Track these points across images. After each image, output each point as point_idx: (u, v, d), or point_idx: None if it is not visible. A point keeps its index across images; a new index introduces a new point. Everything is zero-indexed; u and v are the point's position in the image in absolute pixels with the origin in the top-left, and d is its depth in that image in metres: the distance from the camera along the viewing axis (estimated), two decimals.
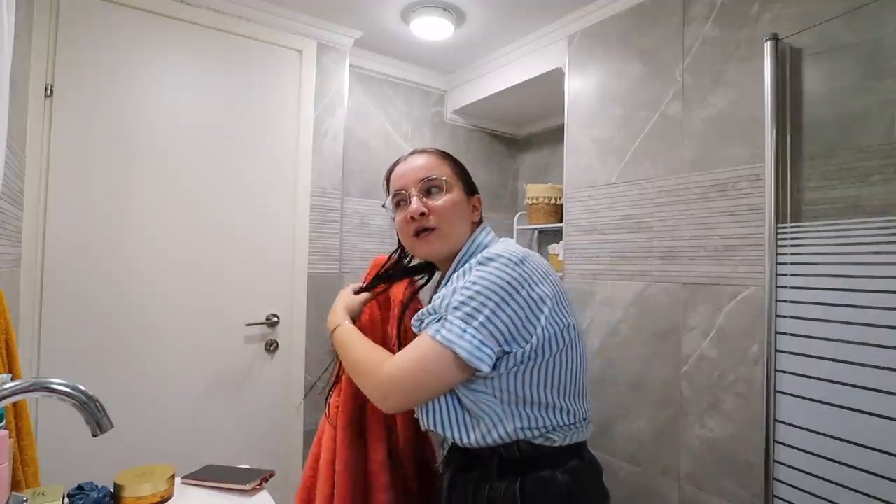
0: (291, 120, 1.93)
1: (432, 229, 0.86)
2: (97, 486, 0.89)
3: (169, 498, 0.91)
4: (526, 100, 2.33)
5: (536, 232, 2.46)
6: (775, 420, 1.23)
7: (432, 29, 1.90)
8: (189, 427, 1.70)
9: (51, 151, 1.49)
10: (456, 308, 0.75)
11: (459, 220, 0.88)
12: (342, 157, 2.06)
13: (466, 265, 0.82)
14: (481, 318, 0.73)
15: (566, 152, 1.89)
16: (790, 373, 1.21)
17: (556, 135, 2.45)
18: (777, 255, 1.24)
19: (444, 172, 0.89)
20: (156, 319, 1.65)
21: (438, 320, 0.77)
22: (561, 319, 0.77)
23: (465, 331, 0.73)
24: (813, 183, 1.22)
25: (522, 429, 0.78)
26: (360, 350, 0.86)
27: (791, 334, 1.21)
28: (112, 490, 0.88)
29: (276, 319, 1.87)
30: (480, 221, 0.94)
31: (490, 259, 0.77)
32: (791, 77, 1.26)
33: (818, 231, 1.17)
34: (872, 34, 1.13)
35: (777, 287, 1.24)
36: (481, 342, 0.73)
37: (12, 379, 0.81)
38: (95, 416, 0.66)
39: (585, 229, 1.79)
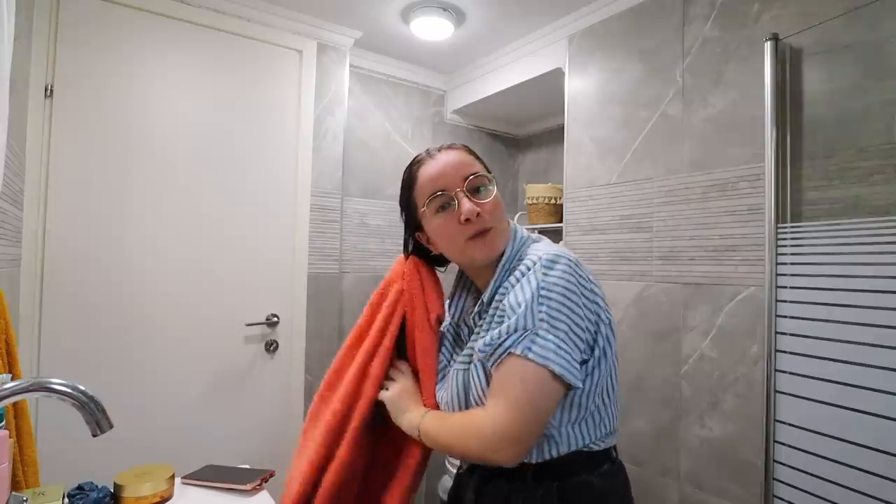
0: (291, 120, 1.93)
1: (489, 230, 0.78)
2: (97, 486, 0.89)
3: (169, 498, 0.91)
4: (526, 100, 2.33)
5: (536, 232, 2.45)
6: (775, 420, 1.23)
7: (432, 29, 1.90)
8: (189, 427, 1.70)
9: (51, 151, 1.49)
10: (541, 320, 0.67)
11: (505, 219, 0.82)
12: (342, 157, 2.06)
13: (517, 270, 0.74)
14: (564, 327, 0.67)
15: (566, 152, 1.89)
16: (790, 373, 1.21)
17: (556, 135, 2.45)
18: (777, 255, 1.24)
19: (481, 168, 0.82)
20: (156, 319, 1.65)
21: (523, 336, 0.67)
22: (608, 315, 0.75)
23: (559, 347, 0.66)
24: (813, 183, 1.22)
25: (578, 443, 0.74)
26: (451, 428, 0.76)
27: (791, 334, 1.21)
28: (112, 490, 0.88)
29: (276, 319, 1.87)
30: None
31: (554, 262, 0.70)
32: (791, 77, 1.26)
33: (818, 231, 1.17)
34: (872, 34, 1.13)
35: (777, 287, 1.24)
36: (572, 356, 0.67)
37: (12, 379, 0.81)
38: (95, 416, 0.66)
39: (585, 229, 1.79)
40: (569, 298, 0.68)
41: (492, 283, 0.78)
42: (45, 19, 1.47)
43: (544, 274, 0.69)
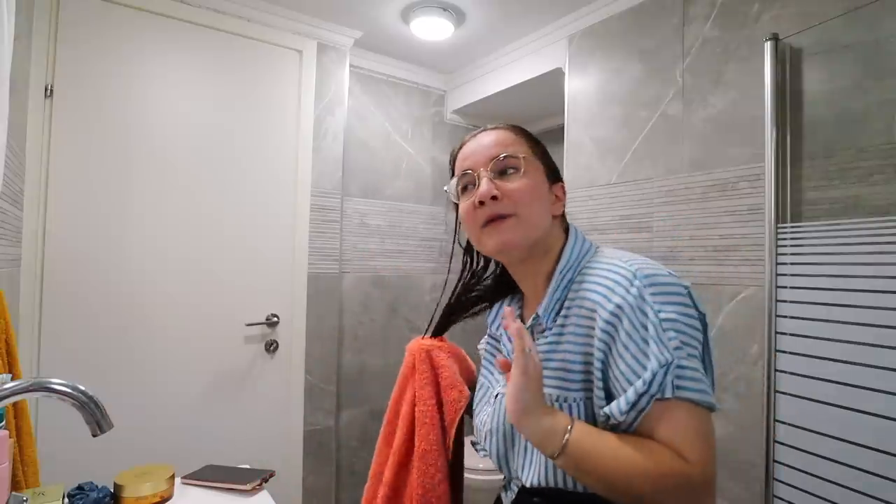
0: (291, 120, 1.93)
1: (507, 216, 0.67)
2: (97, 486, 0.89)
3: (169, 498, 0.91)
4: (526, 100, 2.33)
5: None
6: (775, 420, 1.23)
7: (432, 29, 1.90)
8: (189, 427, 1.70)
9: (51, 151, 1.49)
10: (678, 349, 0.56)
11: (541, 208, 0.69)
12: (342, 157, 2.06)
13: (597, 282, 0.63)
14: (696, 352, 0.58)
15: (566, 152, 1.89)
16: (790, 373, 1.21)
17: (556, 135, 2.44)
18: (777, 255, 1.24)
19: (520, 150, 0.71)
20: (156, 319, 1.65)
21: (666, 374, 0.55)
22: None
23: (703, 377, 0.57)
24: (813, 183, 1.22)
25: None
26: (623, 456, 0.55)
27: (791, 334, 1.21)
28: (112, 490, 0.88)
29: (276, 319, 1.87)
30: (563, 217, 0.76)
31: (664, 280, 0.60)
32: (791, 77, 1.26)
33: (818, 231, 1.17)
34: (872, 34, 1.13)
35: (777, 287, 1.24)
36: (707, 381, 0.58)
37: (12, 379, 0.81)
38: (95, 416, 0.66)
39: (585, 229, 1.79)
40: (689, 316, 0.59)
41: (548, 293, 0.67)
42: (45, 19, 1.47)
43: (655, 297, 0.58)
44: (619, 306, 0.58)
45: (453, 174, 0.76)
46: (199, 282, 1.73)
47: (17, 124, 1.29)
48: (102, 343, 1.56)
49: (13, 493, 0.77)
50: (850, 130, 1.16)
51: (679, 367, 0.55)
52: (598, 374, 0.60)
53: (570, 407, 0.62)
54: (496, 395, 0.73)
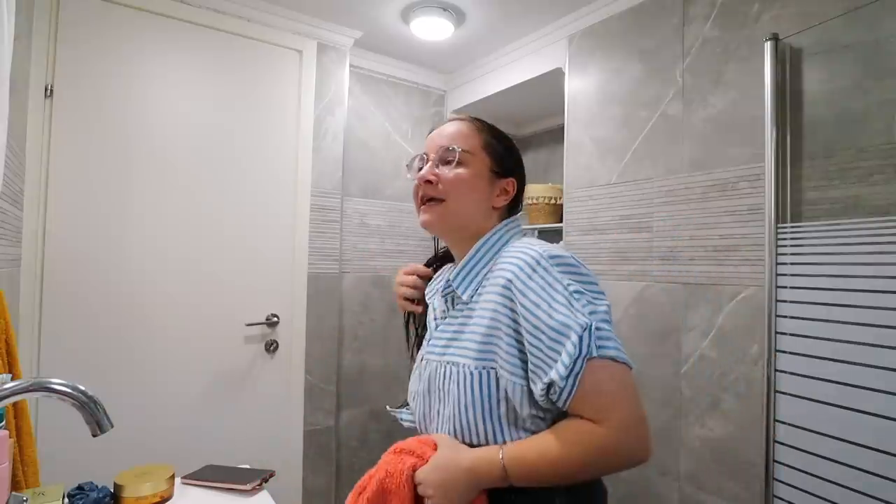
0: (291, 120, 1.93)
1: (440, 200, 0.78)
2: (97, 486, 0.89)
3: (169, 498, 0.91)
4: (526, 100, 2.33)
5: (536, 232, 2.45)
6: (775, 420, 1.23)
7: (432, 29, 1.90)
8: (189, 427, 1.70)
9: (51, 151, 1.49)
10: (593, 313, 0.64)
11: (471, 199, 0.78)
12: (342, 157, 2.06)
13: (498, 266, 0.72)
14: (606, 317, 0.66)
15: (566, 152, 1.89)
16: (790, 373, 1.21)
17: (556, 135, 2.45)
18: (777, 255, 1.24)
19: (470, 144, 0.79)
20: (156, 319, 1.65)
21: (590, 335, 0.62)
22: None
23: (616, 338, 0.65)
24: (813, 183, 1.22)
25: None
26: (552, 456, 0.63)
27: (791, 334, 1.21)
28: (112, 490, 0.88)
29: (276, 319, 1.87)
30: (512, 210, 0.84)
31: (569, 261, 0.68)
32: (791, 77, 1.26)
33: (818, 231, 1.17)
34: (872, 34, 1.13)
35: (777, 287, 1.24)
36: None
37: (12, 379, 0.81)
38: (95, 416, 0.66)
39: (585, 229, 1.79)
40: (596, 291, 0.67)
41: (461, 262, 0.78)
42: (45, 19, 1.47)
43: (561, 270, 0.66)
44: (529, 276, 0.67)
45: None
46: (199, 282, 1.73)
47: (17, 124, 1.29)
48: (102, 343, 1.56)
49: (13, 493, 0.77)
50: (850, 130, 1.16)
51: (597, 328, 0.63)
52: (509, 341, 0.67)
53: (463, 371, 0.71)
54: (421, 359, 0.80)
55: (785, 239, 1.23)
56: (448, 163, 0.78)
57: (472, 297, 0.75)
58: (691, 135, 1.49)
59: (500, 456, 0.65)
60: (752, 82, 1.34)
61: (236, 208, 1.80)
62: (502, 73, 2.20)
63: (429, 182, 0.78)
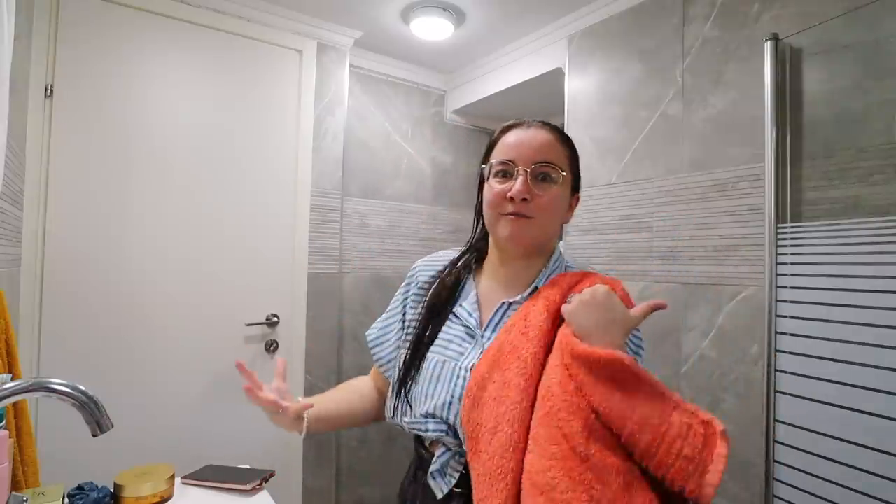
0: (291, 120, 1.93)
1: (528, 218, 0.75)
2: (97, 486, 0.89)
3: (169, 498, 0.91)
4: (526, 100, 2.32)
5: None
6: (775, 420, 1.23)
7: (432, 29, 1.90)
8: (189, 427, 1.70)
9: (51, 151, 1.49)
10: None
11: (557, 218, 0.79)
12: (342, 157, 2.06)
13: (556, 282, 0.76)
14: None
15: None
16: (790, 373, 1.21)
17: None
18: (777, 255, 1.24)
19: (561, 161, 0.78)
20: (156, 319, 1.65)
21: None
22: None
23: None
24: (813, 183, 1.22)
25: None
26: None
27: (791, 334, 1.21)
28: (112, 490, 0.88)
29: (276, 319, 1.87)
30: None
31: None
32: (791, 77, 1.26)
33: (818, 231, 1.17)
34: (872, 34, 1.13)
35: (777, 287, 1.24)
36: None
37: (12, 379, 0.81)
38: (95, 416, 0.66)
39: (585, 229, 1.79)
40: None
41: (542, 276, 0.79)
42: (45, 19, 1.47)
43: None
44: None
45: (489, 154, 0.82)
46: (199, 282, 1.73)
47: (17, 124, 1.29)
48: (102, 343, 1.56)
49: (13, 493, 0.77)
50: (850, 130, 1.16)
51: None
52: None
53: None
54: (470, 367, 0.73)
55: (785, 239, 1.23)
56: (543, 179, 0.76)
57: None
58: (691, 135, 1.49)
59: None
60: (752, 82, 1.34)
61: (236, 208, 1.80)
62: (502, 73, 2.20)
63: (525, 200, 0.74)
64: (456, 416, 0.71)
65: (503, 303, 0.77)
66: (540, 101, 2.33)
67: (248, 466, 1.08)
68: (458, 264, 0.86)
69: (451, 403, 0.72)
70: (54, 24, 1.49)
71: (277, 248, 1.90)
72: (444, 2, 1.79)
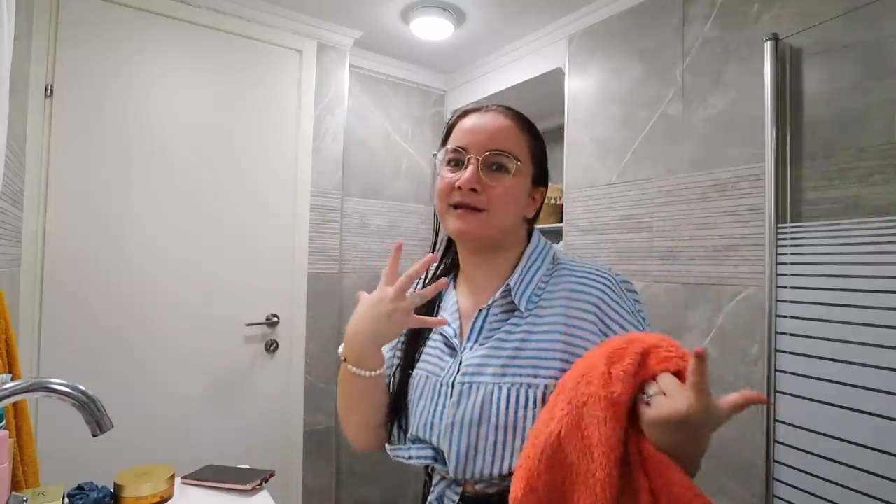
0: (291, 120, 1.93)
1: (479, 210, 0.69)
2: (97, 486, 0.89)
3: (169, 498, 0.91)
4: (526, 100, 2.32)
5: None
6: (775, 420, 1.23)
7: (432, 29, 1.90)
8: (189, 427, 1.70)
9: (51, 151, 1.49)
10: None
11: (513, 211, 0.72)
12: (342, 157, 2.06)
13: (567, 282, 0.69)
14: None
15: (566, 152, 1.89)
16: (790, 373, 1.21)
17: (556, 135, 2.44)
18: (777, 255, 1.24)
19: (519, 150, 0.71)
20: (156, 319, 1.65)
21: None
22: None
23: None
24: (813, 183, 1.22)
25: None
26: None
27: (791, 334, 1.21)
28: (112, 490, 0.88)
29: (276, 319, 1.87)
30: (535, 219, 0.77)
31: (628, 284, 0.71)
32: (791, 77, 1.26)
33: (818, 231, 1.17)
34: (872, 34, 1.13)
35: (777, 287, 1.24)
36: None
37: (12, 379, 0.81)
38: (95, 416, 0.66)
39: (585, 229, 1.79)
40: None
41: (518, 271, 0.70)
42: (45, 19, 1.47)
43: (629, 297, 0.69)
44: (616, 301, 0.68)
45: (445, 140, 0.75)
46: (199, 282, 1.73)
47: (17, 124, 1.29)
48: (102, 343, 1.56)
49: (13, 493, 0.77)
50: (850, 130, 1.16)
51: None
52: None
53: (534, 393, 0.64)
54: (451, 383, 0.67)
55: (785, 239, 1.23)
56: (496, 168, 0.69)
57: (526, 308, 0.68)
58: (691, 135, 1.49)
59: None
60: (752, 82, 1.34)
61: (236, 208, 1.80)
62: (502, 73, 2.20)
63: (473, 190, 0.68)
64: (439, 438, 0.65)
65: (479, 310, 0.71)
66: (540, 101, 2.33)
67: (248, 466, 1.08)
68: (437, 272, 0.81)
69: (432, 424, 0.66)
70: (54, 24, 1.49)
71: (277, 248, 1.90)
72: (444, 2, 1.79)
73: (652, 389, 0.51)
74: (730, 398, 0.48)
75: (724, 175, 1.40)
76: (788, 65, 1.27)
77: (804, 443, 1.17)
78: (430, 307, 0.77)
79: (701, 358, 0.47)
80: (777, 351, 1.23)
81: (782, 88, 1.26)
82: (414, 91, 2.41)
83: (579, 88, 1.85)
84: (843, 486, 1.10)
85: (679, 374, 0.51)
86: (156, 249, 1.65)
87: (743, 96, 1.37)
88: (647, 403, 0.51)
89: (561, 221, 1.97)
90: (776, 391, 1.23)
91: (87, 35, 1.55)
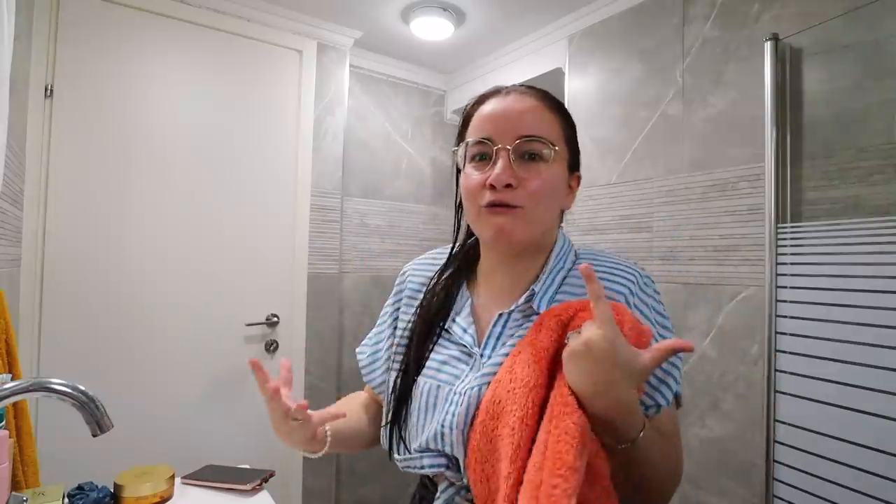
0: (291, 120, 1.93)
1: (515, 207, 0.61)
2: (97, 486, 0.89)
3: (169, 498, 0.91)
4: None
5: None
6: (775, 420, 1.23)
7: (432, 29, 1.90)
8: (189, 427, 1.70)
9: (51, 151, 1.49)
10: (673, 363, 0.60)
11: (553, 206, 0.64)
12: (342, 157, 2.06)
13: (568, 278, 0.65)
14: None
15: None
16: (790, 373, 1.21)
17: None
18: (777, 255, 1.24)
19: (552, 133, 0.63)
20: (156, 319, 1.65)
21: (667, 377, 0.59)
22: None
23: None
24: (813, 183, 1.22)
25: None
26: (667, 457, 0.58)
27: (791, 334, 1.21)
28: (112, 490, 0.88)
29: (276, 319, 1.87)
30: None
31: (650, 280, 0.65)
32: (791, 77, 1.26)
33: (818, 231, 1.17)
34: (872, 34, 1.13)
35: (777, 287, 1.24)
36: None
37: (12, 379, 0.81)
38: (95, 416, 0.66)
39: (585, 229, 1.79)
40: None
41: (546, 274, 0.64)
42: (45, 19, 1.47)
43: (652, 297, 0.64)
44: (641, 297, 0.63)
45: (463, 132, 0.67)
46: (199, 282, 1.73)
47: (17, 124, 1.29)
48: (102, 343, 1.56)
49: (13, 493, 0.77)
50: (850, 130, 1.16)
51: (677, 368, 0.61)
52: None
53: None
54: (464, 391, 0.62)
55: (785, 239, 1.23)
56: (529, 158, 0.61)
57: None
58: (691, 135, 1.49)
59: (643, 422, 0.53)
60: (752, 82, 1.34)
61: (236, 208, 1.80)
62: (502, 73, 2.20)
63: (509, 186, 0.60)
64: (452, 446, 0.61)
65: (500, 314, 0.65)
66: None
67: (248, 466, 1.08)
68: (448, 272, 0.73)
69: (443, 434, 0.61)
70: (54, 24, 1.49)
71: (277, 248, 1.90)
72: (444, 2, 1.79)
73: (573, 333, 0.53)
74: (654, 346, 0.50)
75: (724, 175, 1.40)
76: (788, 65, 1.27)
77: (804, 443, 1.17)
78: (445, 310, 0.70)
79: (587, 275, 0.48)
80: (777, 351, 1.23)
81: (782, 88, 1.26)
82: (414, 91, 2.41)
83: (579, 88, 1.85)
84: (843, 486, 1.10)
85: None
86: (156, 249, 1.65)
87: (743, 96, 1.37)
88: (566, 344, 0.52)
89: (561, 221, 1.96)
90: (776, 391, 1.23)
91: (87, 35, 1.55)
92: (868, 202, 1.12)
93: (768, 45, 1.26)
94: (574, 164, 0.68)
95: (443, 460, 0.62)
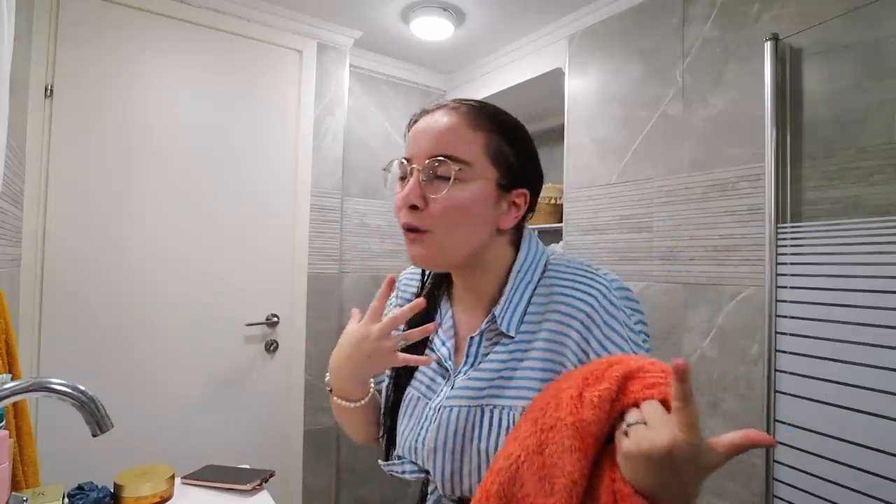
0: (291, 120, 1.93)
1: (424, 232, 0.60)
2: (97, 486, 0.89)
3: (169, 498, 0.91)
4: (526, 100, 2.32)
5: (536, 232, 2.45)
6: (775, 420, 1.23)
7: (432, 29, 1.90)
8: (189, 427, 1.70)
9: (51, 151, 1.49)
10: (647, 350, 0.62)
11: (468, 228, 0.61)
12: (342, 157, 2.06)
13: (559, 295, 0.61)
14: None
15: (566, 152, 1.89)
16: (790, 373, 1.21)
17: (555, 135, 2.44)
18: (777, 255, 1.24)
19: (470, 152, 0.60)
20: (156, 319, 1.65)
21: None
22: None
23: None
24: (813, 183, 1.22)
25: None
26: None
27: (791, 334, 1.21)
28: (112, 490, 0.88)
29: (276, 319, 1.87)
30: (520, 226, 0.67)
31: (623, 289, 0.62)
32: (791, 77, 1.26)
33: (818, 231, 1.17)
34: (872, 34, 1.13)
35: (777, 287, 1.24)
36: None
37: (12, 379, 0.81)
38: (95, 416, 0.66)
39: (585, 229, 1.79)
40: (643, 312, 0.63)
41: (506, 294, 0.62)
42: (45, 19, 1.47)
43: (632, 305, 0.61)
44: (607, 311, 0.59)
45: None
46: (199, 282, 1.73)
47: (17, 124, 1.29)
48: (102, 343, 1.56)
49: (13, 493, 0.77)
50: (850, 130, 1.16)
51: None
52: None
53: (508, 415, 0.59)
54: (437, 408, 0.63)
55: (785, 239, 1.23)
56: (439, 178, 0.59)
57: (517, 331, 0.62)
58: (691, 135, 1.49)
59: None
60: (752, 82, 1.34)
61: (236, 208, 1.80)
62: (502, 73, 2.20)
63: (414, 207, 0.59)
64: (423, 461, 0.62)
65: (470, 338, 0.64)
66: (540, 101, 2.33)
67: (248, 466, 1.08)
68: (430, 283, 0.73)
69: (415, 448, 0.63)
70: (54, 24, 1.49)
71: (277, 248, 1.90)
72: (444, 2, 1.79)
73: (632, 417, 0.44)
74: (727, 438, 0.42)
75: (724, 175, 1.40)
76: (788, 65, 1.27)
77: (804, 443, 1.17)
78: (429, 320, 0.69)
79: (682, 375, 0.40)
80: (777, 351, 1.23)
81: (782, 88, 1.26)
82: (414, 91, 2.41)
83: (579, 88, 1.85)
84: (843, 486, 1.10)
85: (666, 404, 0.44)
86: (156, 249, 1.65)
87: (743, 96, 1.37)
88: (626, 434, 0.43)
89: (561, 221, 1.97)
90: (776, 391, 1.23)
91: (87, 35, 1.55)
92: (868, 202, 1.12)
93: (768, 45, 1.26)
94: (514, 181, 0.63)
95: (419, 470, 0.64)
